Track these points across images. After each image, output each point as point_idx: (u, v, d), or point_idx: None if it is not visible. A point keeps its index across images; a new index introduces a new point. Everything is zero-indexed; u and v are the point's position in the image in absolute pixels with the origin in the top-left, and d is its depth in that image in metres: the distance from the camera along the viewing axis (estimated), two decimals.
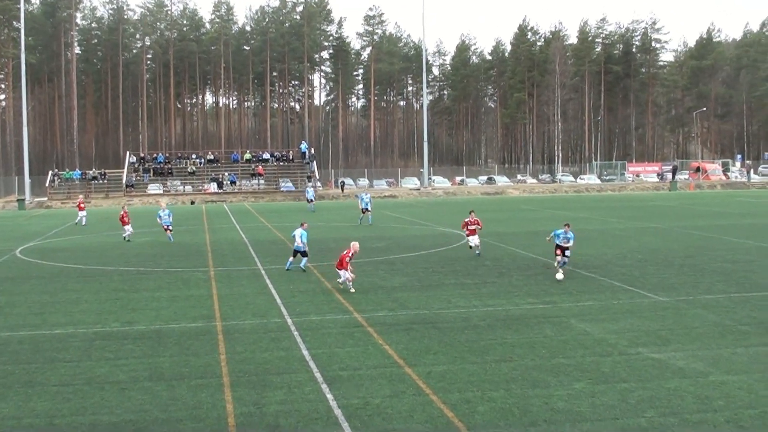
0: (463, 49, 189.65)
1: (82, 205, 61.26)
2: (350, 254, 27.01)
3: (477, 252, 36.10)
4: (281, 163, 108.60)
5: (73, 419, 14.54)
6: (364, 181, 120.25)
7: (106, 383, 16.75)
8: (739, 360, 17.61)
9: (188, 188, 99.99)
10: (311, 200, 74.61)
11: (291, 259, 32.86)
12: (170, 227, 45.81)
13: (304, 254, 32.51)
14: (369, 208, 54.96)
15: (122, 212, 47.74)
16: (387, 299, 25.77)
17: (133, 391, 16.11)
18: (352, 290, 26.84)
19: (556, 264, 29.82)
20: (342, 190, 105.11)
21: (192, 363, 18.21)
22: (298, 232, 32.33)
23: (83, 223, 59.60)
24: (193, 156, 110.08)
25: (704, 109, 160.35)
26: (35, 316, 24.34)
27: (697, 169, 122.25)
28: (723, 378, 16.24)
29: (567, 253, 29.80)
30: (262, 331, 21.28)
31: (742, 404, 14.60)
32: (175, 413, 14.70)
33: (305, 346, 19.46)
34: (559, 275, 28.57)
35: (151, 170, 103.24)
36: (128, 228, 46.33)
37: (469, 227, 36.17)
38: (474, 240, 36.13)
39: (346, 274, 26.95)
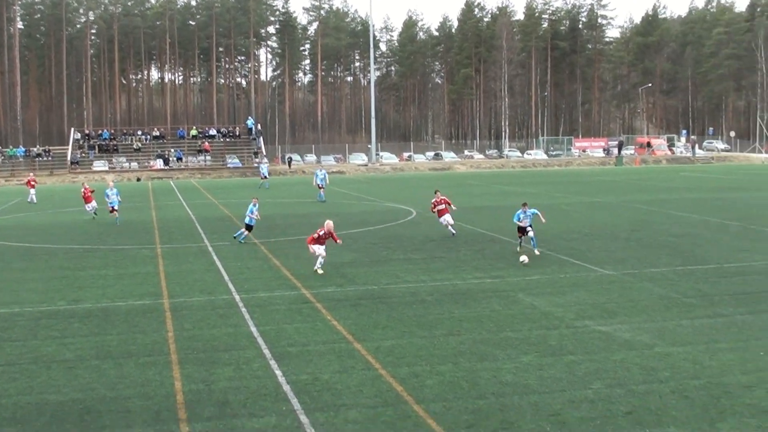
0: (410, 25, 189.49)
1: (32, 183, 60.18)
2: (322, 232, 26.17)
3: (452, 232, 34.37)
4: (228, 140, 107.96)
5: (19, 398, 14.41)
6: (311, 157, 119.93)
7: (52, 362, 16.62)
8: (684, 332, 17.92)
9: (134, 165, 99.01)
10: (265, 176, 73.69)
11: (244, 232, 33.76)
12: (116, 208, 42.98)
13: (249, 228, 33.61)
14: (323, 185, 54.78)
15: (84, 189, 46.17)
16: (335, 275, 25.80)
17: (80, 370, 16.01)
18: (320, 271, 25.92)
19: (518, 248, 29.46)
20: (289, 166, 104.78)
21: (139, 341, 18.10)
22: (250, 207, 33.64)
23: (34, 201, 58.63)
24: (139, 132, 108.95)
25: (650, 84, 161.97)
26: None
27: (648, 144, 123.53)
28: (668, 350, 16.51)
29: (530, 233, 28.92)
30: (210, 308, 21.23)
31: (687, 375, 14.88)
32: (123, 391, 14.62)
33: (253, 322, 19.46)
34: (523, 258, 27.33)
35: (96, 147, 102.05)
36: (92, 204, 45.17)
37: (438, 207, 34.47)
38: (447, 219, 34.26)
39: (319, 249, 26.11)
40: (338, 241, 26.71)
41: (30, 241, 36.55)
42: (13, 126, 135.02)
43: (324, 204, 51.75)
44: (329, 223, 26.51)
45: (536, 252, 28.57)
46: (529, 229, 28.92)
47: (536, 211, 29.44)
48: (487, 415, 12.94)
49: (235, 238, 34.07)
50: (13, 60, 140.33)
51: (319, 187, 54.55)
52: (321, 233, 26.13)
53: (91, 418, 13.30)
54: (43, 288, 24.93)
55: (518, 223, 29.18)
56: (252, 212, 33.38)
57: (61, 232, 39.44)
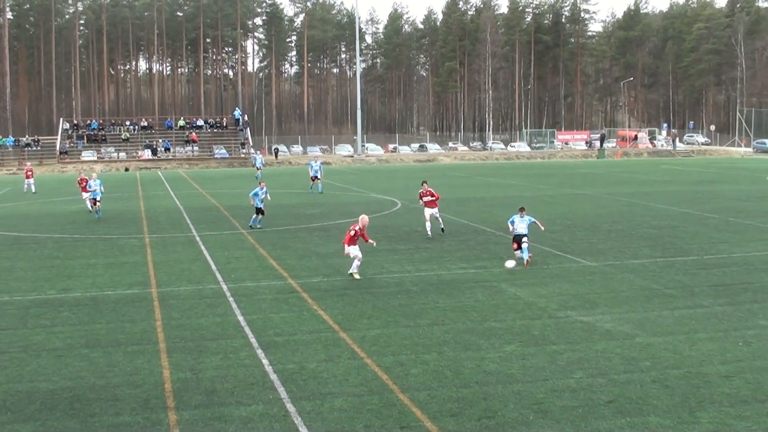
0: (395, 17, 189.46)
1: (29, 173, 59.66)
2: (356, 228, 23.93)
3: (441, 227, 32.77)
4: (215, 130, 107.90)
5: (10, 387, 14.58)
6: (298, 148, 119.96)
7: (42, 350, 16.80)
8: (665, 322, 18.22)
9: (122, 155, 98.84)
10: (260, 167, 72.53)
11: (254, 216, 35.13)
12: (98, 199, 40.90)
13: (260, 212, 35.08)
14: (319, 176, 54.53)
15: (80, 178, 45.71)
16: (322, 265, 26.05)
17: (69, 358, 16.20)
18: (357, 276, 23.78)
19: (514, 263, 25.20)
20: (276, 157, 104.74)
21: (128, 329, 18.31)
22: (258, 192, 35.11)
23: (32, 190, 58.19)
24: (127, 123, 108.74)
25: (632, 78, 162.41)
26: None
27: (635, 138, 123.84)
28: (649, 340, 16.81)
29: (524, 245, 25.61)
30: (198, 298, 21.45)
31: (668, 365, 15.16)
32: (112, 379, 14.83)
33: (240, 312, 19.68)
34: (510, 263, 24.93)
35: (85, 137, 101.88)
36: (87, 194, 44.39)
37: (424, 199, 32.42)
38: (431, 212, 32.14)
39: (354, 251, 23.81)
40: (371, 242, 24.75)
41: (19, 230, 36.64)
42: (2, 116, 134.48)
43: (311, 195, 51.80)
44: (364, 218, 24.46)
45: (526, 260, 25.52)
46: (524, 240, 25.61)
47: (533, 219, 26.42)
48: (470, 403, 13.20)
49: (251, 226, 34.95)
50: (3, 50, 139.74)
51: (316, 179, 54.00)
52: (357, 229, 23.79)
53: (81, 406, 13.48)
54: (33, 277, 25.09)
55: (512, 227, 25.96)
56: (258, 195, 34.83)
57: (50, 222, 39.50)
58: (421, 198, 32.93)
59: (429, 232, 32.01)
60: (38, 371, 15.45)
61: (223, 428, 12.34)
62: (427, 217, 32.22)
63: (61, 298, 21.93)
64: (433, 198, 32.51)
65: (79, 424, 12.72)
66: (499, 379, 14.38)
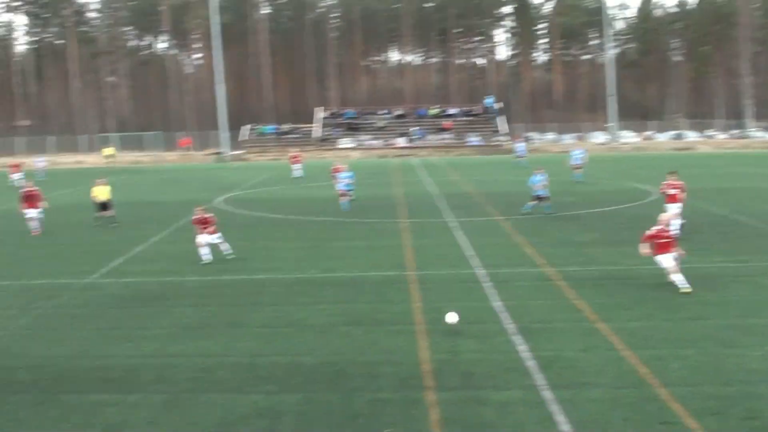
0: (646, 2, 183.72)
1: (295, 159, 61.94)
2: (657, 230, 20.67)
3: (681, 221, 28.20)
4: (467, 118, 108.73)
5: (274, 359, 15.39)
6: (550, 136, 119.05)
7: (306, 326, 17.59)
8: None
9: (378, 142, 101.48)
10: (521, 155, 71.37)
11: (532, 203, 35.55)
12: (347, 192, 39.58)
13: (541, 199, 35.30)
14: (579, 164, 53.63)
15: (334, 167, 45.33)
16: (577, 254, 25.72)
17: (331, 335, 16.87)
18: (686, 289, 19.97)
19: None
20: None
21: (387, 310, 18.84)
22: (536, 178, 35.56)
23: (300, 175, 59.99)
24: (382, 111, 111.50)
25: None
26: (238, 262, 25.60)
27: None
28: None
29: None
30: (454, 282, 21.73)
31: None
32: (372, 357, 15.33)
33: (496, 297, 19.74)
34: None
35: (342, 125, 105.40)
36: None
37: (668, 192, 28.67)
38: (674, 208, 27.93)
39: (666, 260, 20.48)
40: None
41: (283, 212, 38.39)
42: (264, 105, 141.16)
43: (569, 183, 50.97)
44: (665, 217, 21.89)
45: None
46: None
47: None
48: (733, 402, 12.68)
49: (525, 212, 35.25)
50: (261, 43, 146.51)
51: (577, 168, 53.13)
52: (659, 231, 20.64)
53: (342, 381, 14.04)
54: (296, 257, 26.26)
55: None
56: (536, 183, 35.25)
57: (310, 206, 41.02)
58: (666, 189, 29.08)
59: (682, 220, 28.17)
60: (302, 346, 16.19)
61: (480, 411, 12.48)
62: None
63: (323, 277, 22.84)
64: (679, 191, 28.62)
65: (340, 397, 13.24)
66: (763, 379, 13.72)
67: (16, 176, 59.97)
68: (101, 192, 35.31)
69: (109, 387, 14.23)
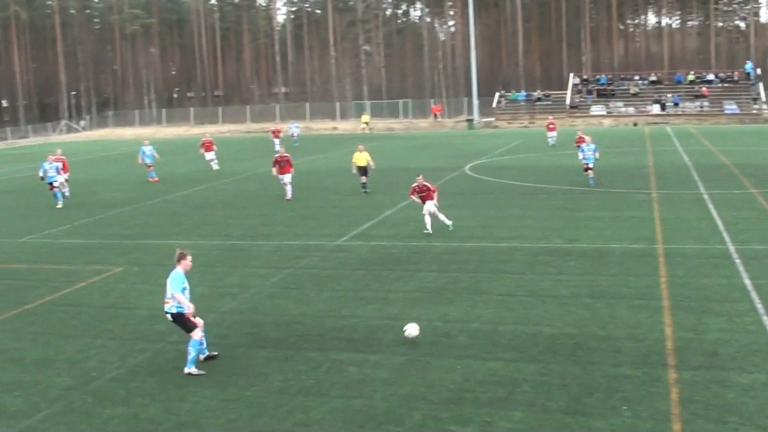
0: None
1: (551, 126, 60.72)
2: None
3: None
4: (725, 85, 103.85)
5: (516, 328, 15.46)
6: None
7: (547, 297, 17.53)
8: None
9: (630, 110, 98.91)
10: None
11: None
12: (591, 166, 36.27)
13: None
14: None
15: (579, 136, 42.65)
16: None
17: (573, 306, 16.73)
18: None
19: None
20: None
21: (632, 283, 18.44)
22: None
23: (553, 143, 58.77)
24: (636, 77, 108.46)
25: None
26: (482, 229, 25.82)
27: None
28: None
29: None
30: (703, 257, 20.94)
31: None
32: (613, 331, 15.09)
33: (747, 275, 18.85)
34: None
35: (594, 92, 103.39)
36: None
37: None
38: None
39: None
40: None
41: (530, 180, 38.22)
42: (514, 72, 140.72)
43: None
44: None
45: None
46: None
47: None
48: None
49: None
50: (515, 8, 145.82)
51: None
52: None
53: (582, 353, 13.93)
54: (541, 226, 26.12)
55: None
56: None
57: (559, 174, 40.46)
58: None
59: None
60: (543, 316, 16.17)
61: (721, 393, 12.04)
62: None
63: (567, 247, 22.62)
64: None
65: (579, 370, 13.15)
66: None
67: (276, 141, 62.64)
68: (360, 158, 36.38)
69: (352, 346, 14.80)
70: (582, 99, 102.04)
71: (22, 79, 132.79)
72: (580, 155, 37.01)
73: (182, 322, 13.87)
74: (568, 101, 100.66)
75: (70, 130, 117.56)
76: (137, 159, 46.11)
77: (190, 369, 13.75)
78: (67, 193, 37.97)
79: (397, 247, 23.60)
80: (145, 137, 60.11)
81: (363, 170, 36.21)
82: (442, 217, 25.58)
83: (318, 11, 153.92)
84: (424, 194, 25.92)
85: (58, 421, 12.10)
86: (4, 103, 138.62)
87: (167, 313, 13.93)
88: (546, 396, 12.14)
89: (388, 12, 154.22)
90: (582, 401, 11.92)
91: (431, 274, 20.04)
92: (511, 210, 29.72)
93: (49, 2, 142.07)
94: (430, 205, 25.62)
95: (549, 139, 59.25)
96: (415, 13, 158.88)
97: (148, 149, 45.29)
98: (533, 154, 53.78)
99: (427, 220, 25.63)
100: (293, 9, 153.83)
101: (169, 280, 13.82)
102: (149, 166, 45.03)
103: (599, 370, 13.08)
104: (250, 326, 16.30)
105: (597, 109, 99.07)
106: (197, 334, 13.81)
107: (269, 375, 13.56)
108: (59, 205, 35.29)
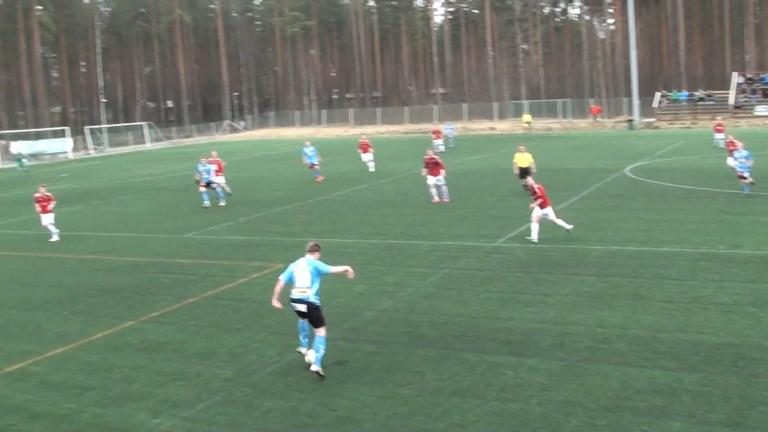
0: None
1: (719, 127, 58.07)
2: None
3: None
4: None
5: (675, 335, 15.18)
6: None
7: (710, 304, 17.13)
8: None
9: None
10: None
11: None
12: (746, 174, 32.75)
13: None
14: None
15: (730, 140, 41.06)
16: None
17: (736, 315, 16.30)
18: None
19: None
20: None
21: None
22: None
23: (721, 145, 53.25)
24: None
25: None
26: (642, 233, 25.39)
27: None
28: None
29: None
30: None
31: None
32: None
33: None
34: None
35: (759, 91, 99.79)
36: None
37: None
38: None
39: None
40: None
41: (692, 183, 37.17)
42: (676, 71, 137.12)
43: None
44: None
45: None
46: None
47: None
48: None
49: None
50: (676, 5, 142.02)
51: None
52: None
53: (744, 364, 13.56)
54: (704, 230, 25.49)
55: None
56: None
57: (721, 177, 39.05)
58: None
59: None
60: (704, 324, 15.82)
61: None
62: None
63: (730, 253, 22.00)
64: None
65: (741, 381, 12.84)
66: None
67: (436, 142, 62.65)
68: (522, 159, 36.24)
69: (508, 349, 14.88)
70: (746, 99, 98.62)
71: (187, 81, 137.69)
72: (733, 162, 35.68)
73: (318, 314, 14.04)
74: (731, 101, 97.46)
75: (232, 129, 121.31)
76: (302, 160, 47.24)
77: (318, 368, 13.83)
78: (229, 191, 39.23)
79: (555, 249, 23.49)
80: (305, 137, 61.52)
81: (525, 171, 35.92)
82: (560, 222, 25.34)
83: (475, 11, 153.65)
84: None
85: (219, 412, 12.67)
86: (170, 104, 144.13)
87: (304, 302, 13.96)
88: (707, 407, 11.92)
89: (546, 10, 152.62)
90: (744, 414, 11.65)
91: (590, 278, 19.87)
92: (672, 213, 29.06)
93: (212, 6, 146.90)
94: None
95: (717, 141, 57.25)
96: (574, 11, 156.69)
97: (309, 150, 46.38)
98: (696, 156, 52.33)
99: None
100: (450, 9, 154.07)
101: (313, 266, 14.07)
102: (313, 166, 46.04)
103: (762, 383, 12.73)
104: (406, 325, 16.59)
105: (761, 110, 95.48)
106: (325, 331, 14.04)
107: (425, 374, 13.80)
108: (206, 204, 36.60)
